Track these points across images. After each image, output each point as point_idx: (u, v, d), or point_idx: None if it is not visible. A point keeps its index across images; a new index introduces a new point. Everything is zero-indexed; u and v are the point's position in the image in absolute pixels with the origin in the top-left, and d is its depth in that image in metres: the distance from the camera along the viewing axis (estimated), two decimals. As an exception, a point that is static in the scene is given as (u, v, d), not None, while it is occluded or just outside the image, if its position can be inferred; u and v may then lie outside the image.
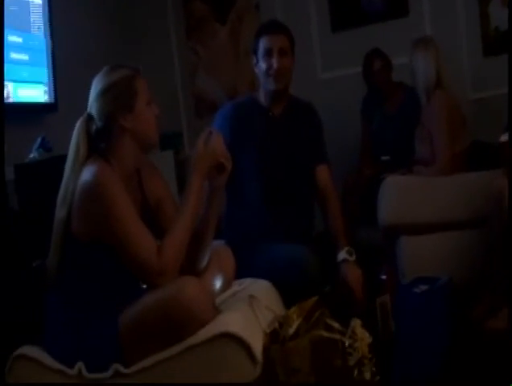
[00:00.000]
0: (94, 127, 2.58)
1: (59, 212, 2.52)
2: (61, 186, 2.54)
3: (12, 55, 3.99)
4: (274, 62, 3.44)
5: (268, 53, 3.46)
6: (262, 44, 3.49)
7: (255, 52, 3.54)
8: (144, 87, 2.62)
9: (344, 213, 3.57)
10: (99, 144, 2.59)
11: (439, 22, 5.37)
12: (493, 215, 3.52)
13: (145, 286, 2.57)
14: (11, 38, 4.00)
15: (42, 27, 4.32)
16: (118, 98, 2.56)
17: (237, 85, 5.96)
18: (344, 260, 3.32)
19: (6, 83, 3.87)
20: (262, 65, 3.48)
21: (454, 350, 3.00)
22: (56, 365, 2.49)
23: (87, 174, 2.46)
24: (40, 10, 4.31)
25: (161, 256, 2.44)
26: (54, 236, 2.54)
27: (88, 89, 2.62)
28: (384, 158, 4.90)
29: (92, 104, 2.59)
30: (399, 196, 4.04)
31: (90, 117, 2.58)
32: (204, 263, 2.75)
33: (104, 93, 2.57)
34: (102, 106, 2.57)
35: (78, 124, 2.58)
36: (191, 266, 2.68)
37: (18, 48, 4.08)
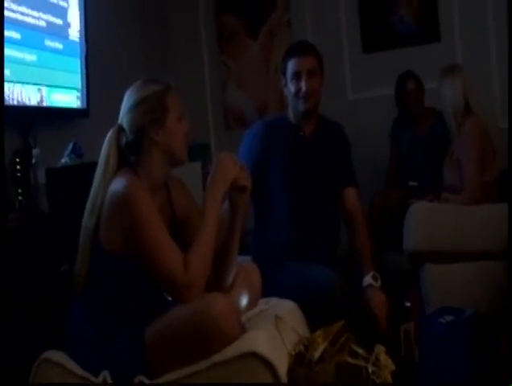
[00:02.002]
0: (124, 139, 2.59)
1: (87, 222, 2.53)
2: (90, 196, 2.56)
3: (48, 60, 4.01)
4: (303, 84, 3.45)
5: (297, 76, 3.47)
6: (291, 67, 3.50)
7: (284, 73, 3.55)
8: (176, 102, 2.63)
9: (370, 237, 3.57)
10: (129, 156, 2.60)
11: (471, 48, 5.37)
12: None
13: (171, 298, 2.58)
14: (49, 43, 4.03)
15: (78, 34, 4.34)
16: (150, 112, 2.57)
17: (266, 100, 6.00)
18: (370, 286, 3.32)
19: (40, 87, 3.90)
20: (291, 87, 3.49)
21: (478, 381, 2.99)
22: (81, 371, 2.50)
23: (117, 185, 2.47)
24: (77, 17, 4.34)
25: (187, 270, 2.43)
26: (81, 245, 2.56)
27: (120, 97, 2.63)
28: (411, 183, 4.90)
29: (124, 117, 2.61)
30: (426, 223, 4.02)
31: (121, 129, 2.60)
32: (229, 279, 2.76)
33: (136, 107, 2.58)
34: (133, 119, 2.59)
35: (109, 135, 2.60)
36: (217, 282, 2.69)
37: (56, 53, 4.10)
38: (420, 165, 4.95)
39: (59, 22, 4.15)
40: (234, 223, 2.71)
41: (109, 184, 2.49)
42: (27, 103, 3.77)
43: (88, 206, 2.55)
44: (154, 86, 2.62)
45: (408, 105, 5.03)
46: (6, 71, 3.50)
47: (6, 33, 3.52)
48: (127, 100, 2.61)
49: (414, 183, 4.88)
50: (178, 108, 2.64)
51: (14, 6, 3.65)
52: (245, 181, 2.65)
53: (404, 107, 5.08)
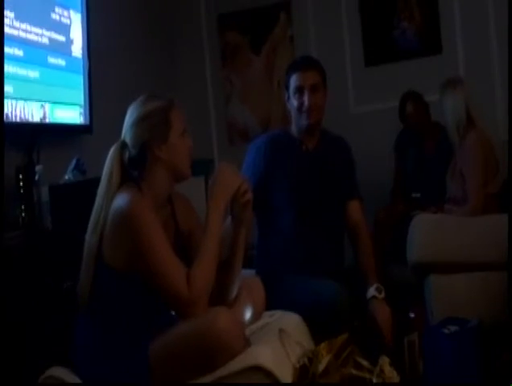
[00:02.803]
0: (128, 155, 2.58)
1: (91, 238, 2.53)
2: (93, 213, 2.55)
3: (51, 77, 4.03)
4: (306, 99, 3.44)
5: (299, 90, 3.46)
6: (293, 82, 3.49)
7: (287, 88, 3.55)
8: (179, 118, 2.63)
9: (374, 249, 3.57)
10: (132, 172, 2.60)
11: (473, 60, 5.39)
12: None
13: (174, 313, 2.58)
14: (52, 60, 4.04)
15: (81, 50, 4.36)
16: (153, 128, 2.57)
17: (269, 115, 6.02)
18: (374, 298, 3.31)
19: (43, 103, 3.92)
20: (294, 102, 3.49)
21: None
22: (85, 389, 2.50)
23: (120, 202, 2.47)
24: (80, 33, 4.36)
25: (191, 287, 2.43)
26: (85, 261, 2.55)
27: (123, 113, 2.64)
28: (415, 194, 4.91)
29: (127, 132, 2.61)
30: (429, 234, 4.02)
31: (124, 145, 2.60)
32: (233, 293, 2.76)
33: (139, 122, 2.58)
34: (136, 134, 2.58)
35: (112, 150, 2.60)
36: (220, 296, 2.70)
37: (59, 70, 4.12)
38: (425, 176, 4.97)
39: (61, 38, 4.16)
40: (237, 237, 2.71)
41: (113, 200, 2.49)
42: (30, 119, 3.77)
43: (91, 222, 2.55)
44: (157, 102, 2.62)
45: (411, 125, 5.05)
46: (9, 88, 3.52)
47: (9, 50, 3.54)
48: (130, 115, 2.62)
49: (418, 195, 4.89)
50: (181, 123, 2.64)
51: (16, 24, 3.66)
52: (247, 194, 2.66)
53: (408, 125, 5.10)
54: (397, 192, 5.17)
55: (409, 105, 5.03)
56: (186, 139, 2.65)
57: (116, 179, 2.55)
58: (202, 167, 5.18)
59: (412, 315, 3.31)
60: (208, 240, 2.54)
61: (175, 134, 2.60)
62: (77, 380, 2.53)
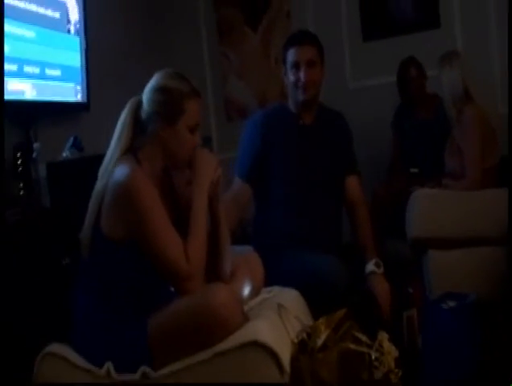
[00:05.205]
0: (141, 114, 2.60)
1: (99, 184, 2.54)
2: (104, 161, 2.57)
3: (47, 55, 4.02)
4: (302, 74, 3.43)
5: (296, 65, 3.46)
6: (290, 56, 3.48)
7: (284, 63, 3.54)
8: (194, 111, 2.60)
9: (372, 225, 3.57)
10: (140, 133, 2.60)
11: (471, 34, 5.36)
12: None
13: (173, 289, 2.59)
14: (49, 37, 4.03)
15: (76, 28, 4.35)
16: (164, 105, 2.57)
17: (267, 90, 5.98)
18: (372, 273, 3.33)
19: (41, 82, 3.91)
20: (291, 77, 3.48)
21: (480, 366, 2.99)
22: (84, 364, 2.51)
23: (118, 173, 2.48)
24: (75, 11, 4.33)
25: (188, 259, 2.47)
26: (90, 207, 2.54)
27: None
28: (413, 170, 4.90)
29: (144, 94, 2.61)
30: (428, 210, 4.02)
31: (140, 103, 2.61)
32: (227, 269, 2.77)
33: (155, 92, 2.58)
34: (149, 102, 2.59)
35: (128, 104, 2.63)
36: (215, 272, 2.71)
37: (54, 48, 4.11)
38: (422, 151, 4.96)
39: (56, 15, 4.14)
40: (216, 211, 2.73)
41: (115, 166, 2.50)
42: (27, 96, 3.77)
43: (102, 169, 2.56)
44: (181, 83, 2.59)
45: (410, 91, 5.04)
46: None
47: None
48: (153, 80, 2.62)
49: (416, 170, 4.89)
50: (194, 117, 2.60)
51: (12, 1, 3.64)
52: (218, 170, 2.70)
53: (406, 93, 5.08)
54: (395, 167, 5.16)
55: (413, 70, 5.01)
56: (194, 135, 2.63)
57: (128, 132, 2.58)
58: (200, 144, 5.18)
59: (411, 290, 3.32)
60: (199, 216, 2.58)
61: (184, 124, 2.58)
62: (76, 356, 2.53)
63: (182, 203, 2.73)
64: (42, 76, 3.95)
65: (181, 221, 2.62)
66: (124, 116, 2.62)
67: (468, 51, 4.97)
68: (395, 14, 5.64)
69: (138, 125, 2.61)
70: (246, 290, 2.83)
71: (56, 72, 4.12)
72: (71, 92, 4.31)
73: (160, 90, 2.58)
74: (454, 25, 5.43)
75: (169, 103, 2.57)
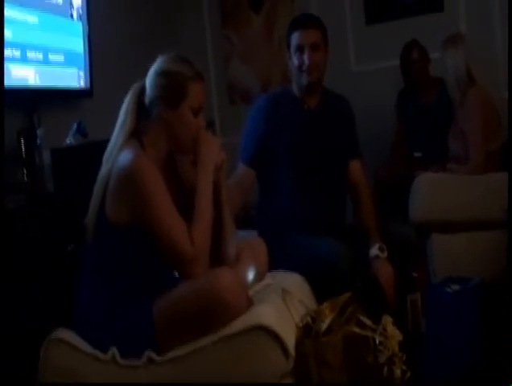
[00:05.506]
0: (145, 98, 2.61)
1: (104, 169, 2.55)
2: (108, 146, 2.58)
3: (50, 40, 4.02)
4: (306, 58, 3.43)
5: (300, 49, 3.45)
6: (294, 40, 3.47)
7: (288, 47, 3.53)
8: (197, 93, 2.60)
9: (375, 209, 3.58)
10: (147, 115, 2.61)
11: (474, 18, 5.35)
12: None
13: (177, 274, 2.60)
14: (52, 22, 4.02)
15: (79, 13, 4.33)
16: (167, 89, 2.58)
17: (270, 74, 5.97)
18: (376, 257, 3.34)
19: (44, 67, 3.91)
20: (295, 61, 3.48)
21: (484, 349, 3.00)
22: (90, 349, 2.52)
23: (123, 157, 2.49)
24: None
25: (193, 242, 2.48)
26: (95, 191, 2.56)
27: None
28: (416, 154, 4.90)
29: (147, 78, 2.62)
30: (431, 194, 4.04)
31: (144, 88, 2.62)
32: (231, 253, 2.77)
33: (157, 76, 2.59)
34: (152, 86, 2.59)
35: (132, 90, 2.64)
36: (219, 257, 2.71)
37: (57, 33, 4.10)
38: (425, 134, 4.96)
39: (59, 1, 4.13)
40: (220, 194, 2.72)
41: (122, 148, 2.51)
42: (30, 82, 3.77)
43: (106, 154, 2.57)
44: (184, 66, 2.60)
45: (413, 74, 5.04)
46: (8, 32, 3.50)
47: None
48: (156, 65, 2.62)
49: (419, 154, 4.89)
50: (197, 99, 2.61)
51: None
52: (221, 154, 2.71)
53: (409, 76, 5.08)
54: (398, 151, 5.16)
55: (415, 52, 5.01)
56: (198, 118, 2.63)
57: (132, 118, 2.58)
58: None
59: (414, 274, 3.32)
60: (203, 200, 2.59)
61: (187, 106, 2.58)
62: (82, 342, 2.55)
63: (187, 188, 2.73)
64: (45, 62, 3.93)
65: (186, 205, 2.62)
66: (127, 101, 2.63)
67: (471, 35, 4.95)
68: (399, -3, 5.62)
69: (141, 110, 2.61)
70: (251, 275, 2.84)
71: (59, 58, 4.10)
72: (74, 77, 4.29)
73: (163, 74, 2.59)
74: (457, 8, 5.42)
75: (172, 86, 2.57)
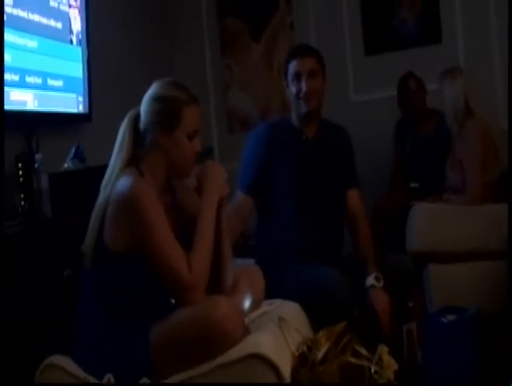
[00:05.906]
0: (140, 124, 2.61)
1: (102, 196, 2.54)
2: (106, 173, 2.57)
3: (49, 65, 4.03)
4: (304, 85, 3.44)
5: (297, 76, 3.47)
6: (292, 68, 3.50)
7: (285, 76, 3.56)
8: (192, 117, 2.60)
9: (373, 238, 3.58)
10: (143, 142, 2.61)
11: (473, 49, 5.38)
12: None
13: (174, 301, 2.59)
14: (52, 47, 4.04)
15: (79, 38, 4.36)
16: (162, 114, 2.58)
17: (269, 102, 5.98)
18: (372, 286, 3.34)
19: (43, 92, 3.92)
20: (292, 88, 3.49)
21: (481, 380, 2.99)
22: (85, 375, 2.50)
23: (122, 184, 2.48)
24: (78, 22, 4.35)
25: (191, 270, 2.46)
26: (93, 219, 2.55)
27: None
28: (413, 184, 4.91)
29: (142, 105, 2.62)
30: (428, 224, 4.03)
31: (139, 115, 2.62)
32: (228, 282, 2.76)
33: (152, 101, 2.59)
34: (147, 112, 2.60)
35: (127, 117, 2.64)
36: (217, 285, 2.70)
37: (56, 58, 4.12)
38: (423, 165, 4.97)
39: (59, 26, 4.15)
40: (221, 225, 2.71)
41: (118, 178, 2.51)
42: (29, 106, 3.78)
43: (104, 181, 2.57)
44: (178, 91, 2.60)
45: (410, 105, 5.05)
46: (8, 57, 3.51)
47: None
48: (150, 91, 2.63)
49: (416, 185, 4.90)
50: (192, 123, 2.61)
51: (14, 11, 3.66)
52: (226, 188, 2.73)
53: (406, 107, 5.10)
54: (396, 181, 5.17)
55: (412, 83, 5.03)
56: (194, 142, 2.63)
57: (128, 145, 2.58)
58: (202, 155, 5.18)
59: (411, 304, 3.32)
60: (205, 229, 2.58)
61: (182, 131, 2.58)
62: (77, 369, 2.53)
63: (185, 215, 2.72)
64: (44, 87, 3.95)
65: (184, 232, 2.62)
66: (123, 128, 2.63)
67: (469, 66, 4.98)
68: (397, 28, 5.65)
69: (137, 136, 2.62)
70: (247, 303, 2.82)
71: (58, 83, 4.12)
72: (73, 102, 4.30)
73: (157, 99, 2.59)
74: (456, 40, 5.44)
75: (166, 111, 2.58)
